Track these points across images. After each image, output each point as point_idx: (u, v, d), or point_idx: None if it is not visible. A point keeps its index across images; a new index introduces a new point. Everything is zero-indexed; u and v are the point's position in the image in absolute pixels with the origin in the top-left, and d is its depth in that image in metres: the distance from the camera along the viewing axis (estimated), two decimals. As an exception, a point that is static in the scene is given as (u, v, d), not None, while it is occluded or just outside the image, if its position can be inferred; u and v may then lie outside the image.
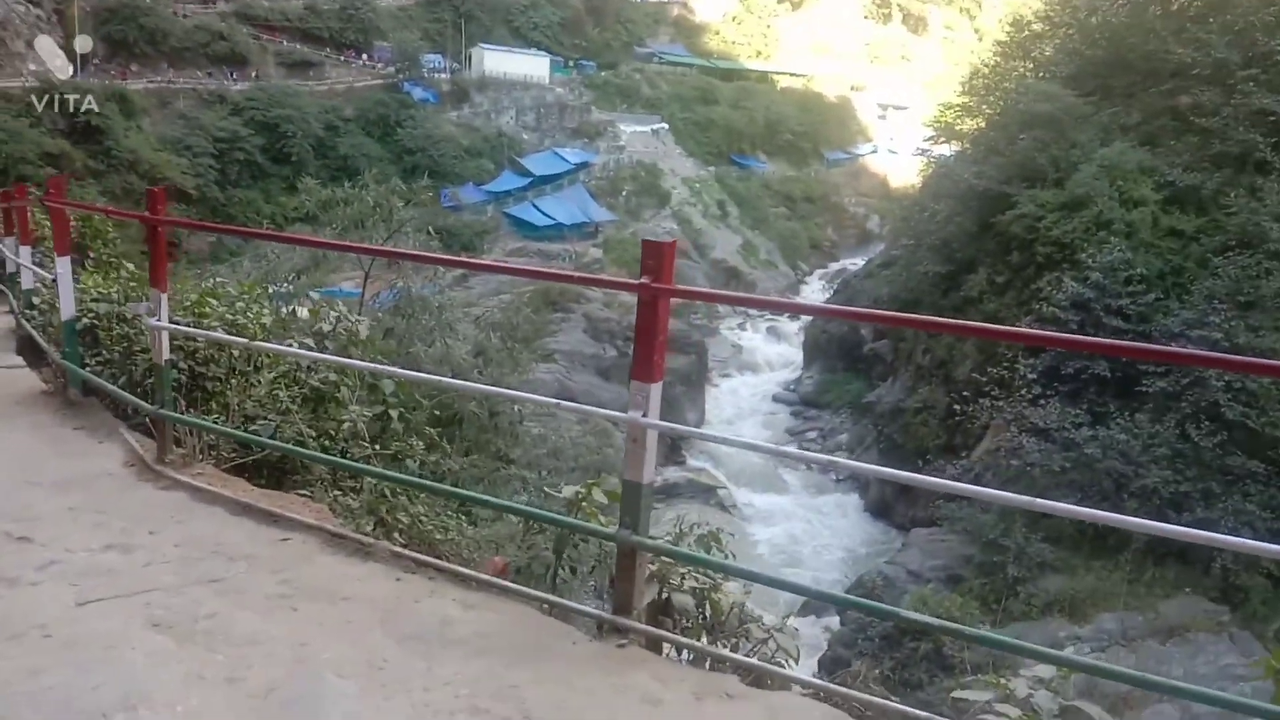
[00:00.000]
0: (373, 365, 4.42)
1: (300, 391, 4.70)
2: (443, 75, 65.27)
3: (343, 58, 63.16)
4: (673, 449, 36.12)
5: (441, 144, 58.06)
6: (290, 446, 4.25)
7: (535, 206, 54.68)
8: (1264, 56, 24.43)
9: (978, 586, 21.53)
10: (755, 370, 48.36)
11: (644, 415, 2.95)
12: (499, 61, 65.80)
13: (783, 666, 3.13)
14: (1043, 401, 23.00)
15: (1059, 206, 25.90)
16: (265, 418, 4.51)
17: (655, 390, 2.98)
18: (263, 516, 3.77)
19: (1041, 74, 33.62)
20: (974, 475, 26.09)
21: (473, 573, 3.34)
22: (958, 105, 40.54)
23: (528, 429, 10.03)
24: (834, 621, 23.74)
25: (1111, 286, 23.05)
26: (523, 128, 64.39)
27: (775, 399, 43.53)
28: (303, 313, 5.63)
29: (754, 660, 2.96)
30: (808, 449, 38.06)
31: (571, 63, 72.67)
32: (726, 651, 3.06)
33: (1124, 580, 21.04)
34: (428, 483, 3.91)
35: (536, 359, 34.68)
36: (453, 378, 8.41)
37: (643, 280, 2.95)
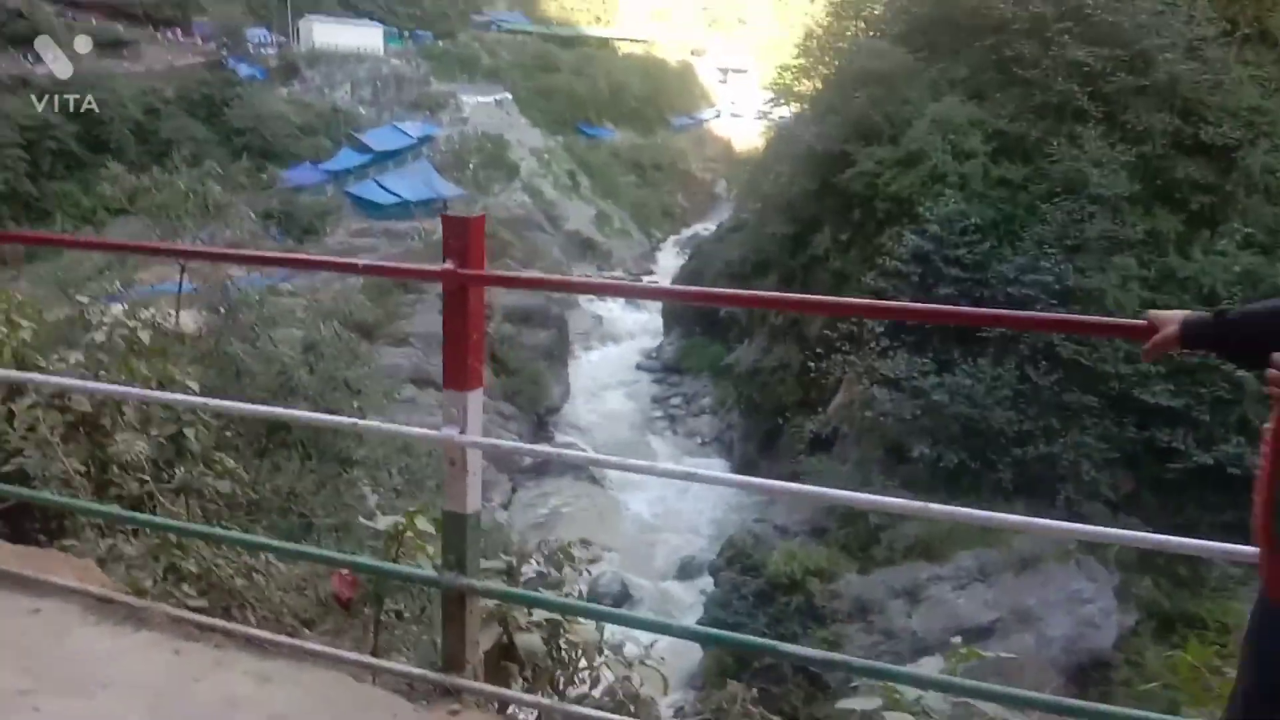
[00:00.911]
0: (109, 388, 3.69)
1: (64, 419, 3.96)
2: (269, 50, 61.73)
3: (160, 35, 58.79)
4: (539, 425, 35.63)
5: (272, 122, 54.92)
6: (19, 489, 3.49)
7: (378, 184, 52.52)
8: (1075, 9, 25.54)
9: (842, 536, 22.04)
10: (617, 340, 48.27)
11: (462, 432, 2.43)
12: (329, 33, 62.71)
13: (654, 702, 2.72)
14: (891, 353, 23.61)
15: (895, 162, 26.52)
16: (25, 453, 3.78)
17: (474, 399, 2.48)
18: (12, 582, 3.06)
19: (873, 32, 34.30)
20: (831, 429, 26.72)
21: (269, 635, 2.76)
22: (794, 67, 41.11)
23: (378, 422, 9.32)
24: (708, 583, 23.90)
25: (949, 238, 23.79)
26: (359, 102, 61.65)
27: (638, 367, 43.60)
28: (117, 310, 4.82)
29: (611, 717, 2.52)
30: (673, 414, 38.26)
31: (406, 33, 69.99)
32: (580, 708, 2.60)
33: (978, 519, 21.93)
34: (193, 527, 3.26)
35: (391, 344, 33.44)
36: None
37: (446, 265, 2.40)
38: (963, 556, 21.01)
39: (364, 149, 55.59)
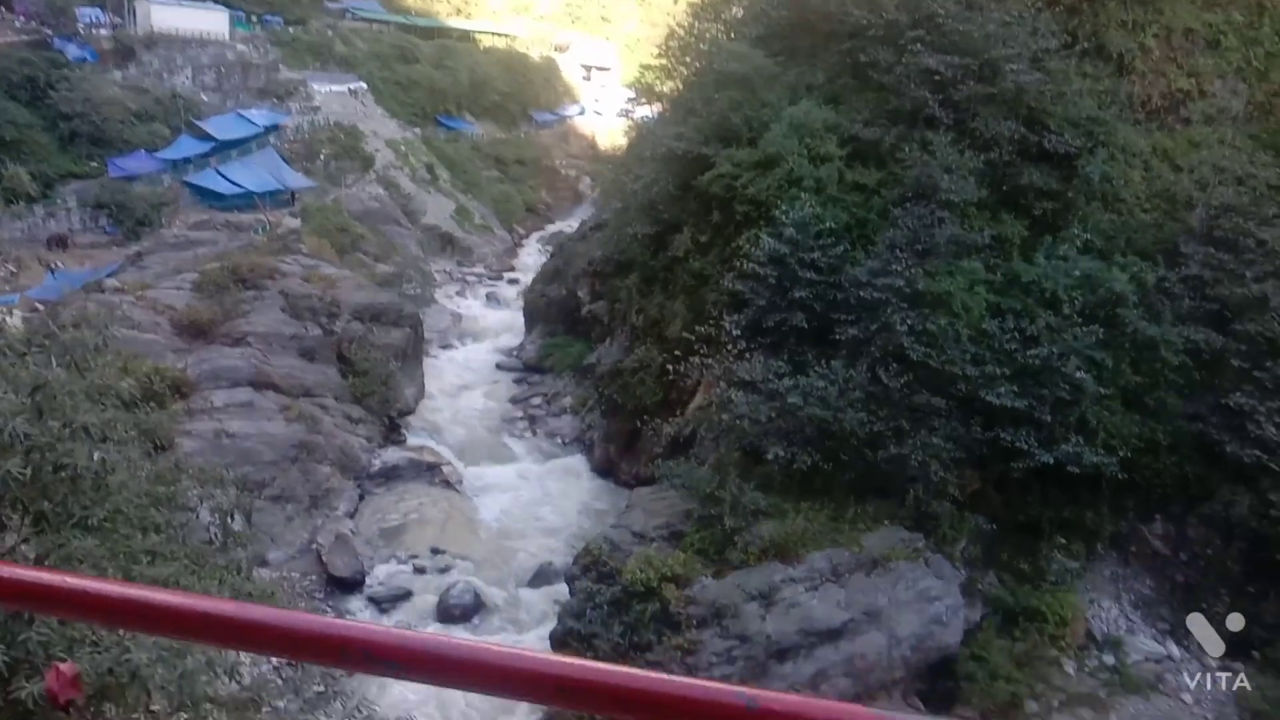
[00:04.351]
0: None
1: None
2: (103, 31, 57.59)
3: (-23, 12, 54.02)
4: (391, 427, 34.19)
5: (104, 107, 51.26)
6: None
7: (220, 173, 49.58)
8: (928, 18, 26.02)
9: (698, 540, 21.72)
10: (477, 338, 47.09)
11: None
12: (169, 16, 58.96)
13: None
14: (748, 355, 23.48)
15: (753, 165, 26.45)
16: None
17: None
18: None
19: (733, 35, 34.33)
20: (690, 430, 26.51)
21: None
22: (656, 67, 40.82)
23: (136, 468, 7.83)
24: (563, 590, 23.28)
25: (804, 240, 23.82)
26: (201, 88, 58.31)
27: (499, 366, 42.57)
28: None
29: None
30: (533, 415, 37.41)
31: (255, 18, 66.59)
32: None
33: (830, 519, 22.05)
34: None
35: (228, 344, 31.42)
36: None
37: None
38: (815, 557, 21.02)
39: (205, 137, 52.53)
